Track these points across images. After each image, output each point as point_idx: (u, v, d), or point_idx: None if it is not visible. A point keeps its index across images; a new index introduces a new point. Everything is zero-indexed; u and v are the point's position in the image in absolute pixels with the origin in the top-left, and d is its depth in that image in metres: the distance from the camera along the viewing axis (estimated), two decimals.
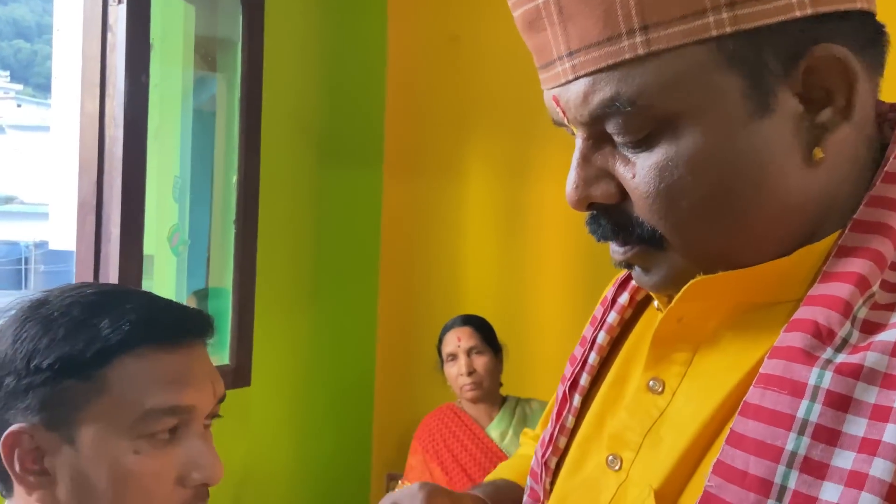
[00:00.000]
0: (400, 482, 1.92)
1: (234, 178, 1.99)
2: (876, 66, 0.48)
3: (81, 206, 1.51)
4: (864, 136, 0.49)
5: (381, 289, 2.80)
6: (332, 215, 2.72)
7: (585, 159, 0.51)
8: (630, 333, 0.64)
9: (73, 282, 0.67)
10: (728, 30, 0.44)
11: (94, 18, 1.48)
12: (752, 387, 0.45)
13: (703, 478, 0.46)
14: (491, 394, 1.91)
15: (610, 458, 0.56)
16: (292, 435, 2.56)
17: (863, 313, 0.45)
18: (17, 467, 0.58)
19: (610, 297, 0.67)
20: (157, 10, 1.58)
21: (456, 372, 1.88)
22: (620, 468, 0.56)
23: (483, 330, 1.94)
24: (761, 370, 0.45)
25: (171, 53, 1.83)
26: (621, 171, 0.49)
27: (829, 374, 0.42)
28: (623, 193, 0.50)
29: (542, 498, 0.66)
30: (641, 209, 0.49)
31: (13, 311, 0.61)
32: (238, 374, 2.00)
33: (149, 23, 1.54)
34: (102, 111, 1.49)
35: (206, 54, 1.98)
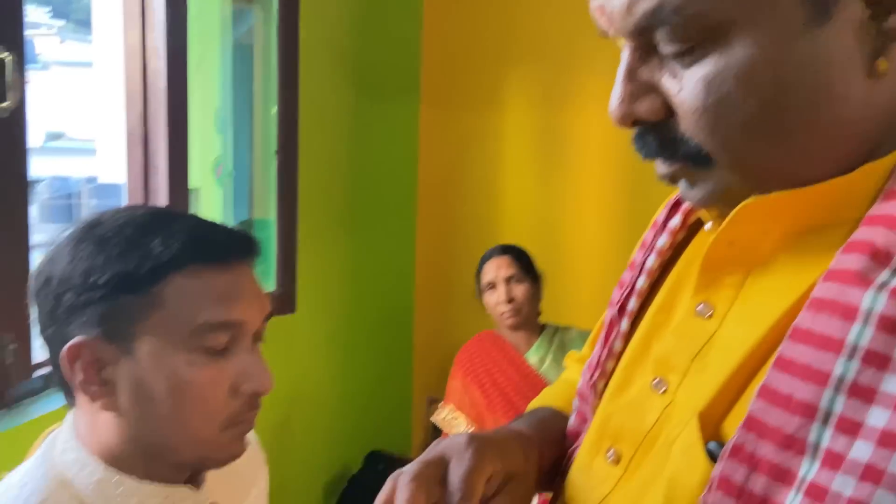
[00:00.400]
0: (440, 405, 1.98)
1: (274, 110, 2.00)
2: None
3: (129, 139, 1.54)
4: None
5: (419, 217, 2.82)
6: (370, 146, 2.73)
7: (631, 73, 0.49)
8: (681, 257, 0.63)
9: None
10: None
11: None
12: (802, 311, 0.44)
13: (748, 402, 0.45)
14: (530, 321, 1.93)
15: (655, 381, 0.56)
16: (336, 360, 2.65)
17: None
18: (79, 377, 0.61)
19: (661, 220, 0.65)
20: None
21: (495, 300, 1.90)
22: (666, 391, 0.55)
23: (522, 258, 1.95)
24: (813, 294, 0.44)
25: None
26: (668, 85, 0.47)
27: (883, 298, 0.40)
28: (669, 110, 0.48)
29: (588, 419, 0.67)
30: (688, 126, 0.47)
31: (69, 232, 0.64)
32: (283, 302, 2.07)
33: None
34: (144, 43, 1.50)
35: None
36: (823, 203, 0.47)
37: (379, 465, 2.76)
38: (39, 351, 1.24)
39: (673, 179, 0.52)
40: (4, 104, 1.11)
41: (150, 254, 0.60)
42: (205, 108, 1.90)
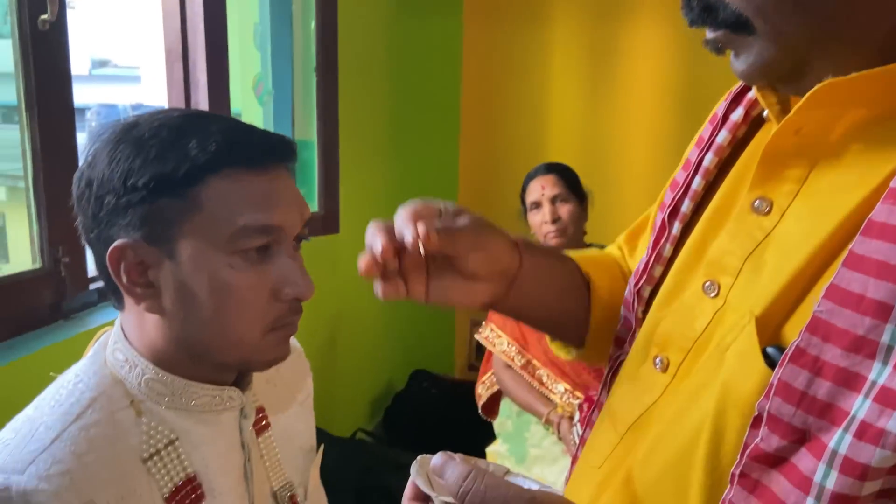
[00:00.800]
0: (483, 324, 2.00)
1: (313, 25, 1.96)
2: None
3: (168, 55, 1.53)
4: None
5: (462, 135, 2.78)
6: (411, 63, 2.67)
7: None
8: (742, 155, 0.59)
9: None
10: None
11: None
12: (879, 204, 0.42)
13: (811, 305, 0.43)
14: (575, 241, 1.91)
15: (707, 283, 0.54)
16: None
17: None
18: (124, 279, 0.62)
19: (720, 113, 0.61)
20: None
21: (540, 220, 1.88)
22: (717, 294, 0.53)
23: (567, 177, 1.90)
24: (892, 185, 0.41)
25: None
26: None
27: None
28: None
29: (633, 326, 0.66)
30: None
31: (106, 134, 0.63)
32: (327, 222, 2.08)
33: None
34: None
35: None
36: None
37: (423, 383, 2.83)
38: (93, 265, 1.28)
39: (717, 48, 0.50)
40: (45, 16, 1.10)
41: (187, 156, 0.60)
42: (243, 24, 1.87)
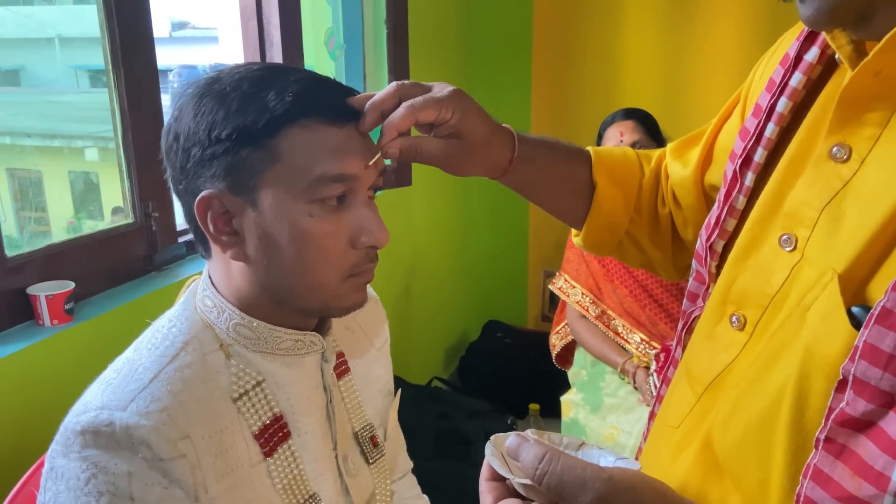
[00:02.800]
0: (557, 274, 1.99)
1: None
2: None
3: (243, 13, 1.56)
4: None
5: (533, 84, 2.73)
6: (481, 8, 2.63)
7: None
8: (818, 97, 0.56)
9: None
10: None
11: None
12: None
13: None
14: None
15: (784, 237, 0.52)
16: (452, 231, 2.70)
17: None
18: (210, 228, 0.65)
19: (793, 54, 0.58)
20: None
21: None
22: (795, 248, 0.51)
23: (647, 123, 1.84)
24: None
25: None
26: None
27: None
28: None
29: (707, 282, 0.64)
30: None
31: (191, 89, 0.66)
32: (400, 175, 2.10)
33: None
34: None
35: None
36: None
37: (496, 333, 2.86)
38: (182, 220, 1.34)
39: None
40: None
41: (265, 108, 0.62)
42: None
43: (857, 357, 0.42)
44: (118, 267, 1.23)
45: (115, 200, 1.32)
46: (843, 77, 0.52)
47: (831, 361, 0.44)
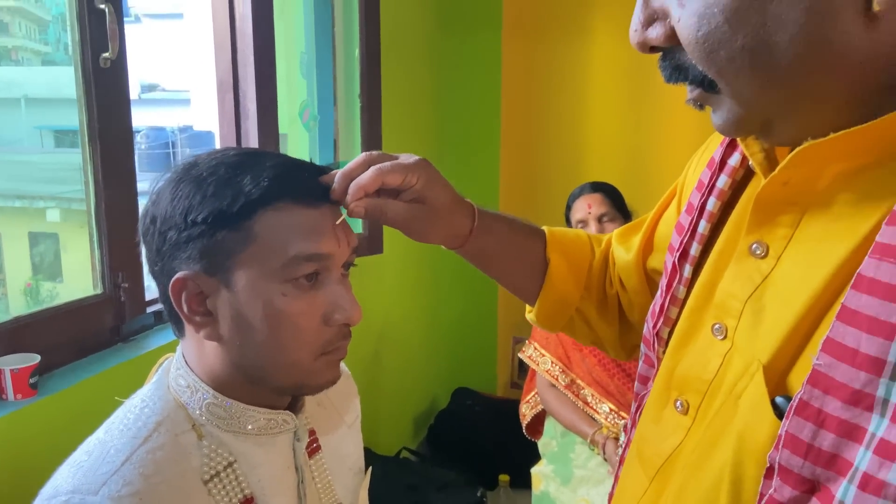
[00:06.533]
0: (526, 342, 2.00)
1: (357, 52, 2.01)
2: None
3: (220, 87, 1.59)
4: None
5: (502, 155, 2.80)
6: (451, 82, 2.71)
7: (645, 0, 0.50)
8: (741, 197, 0.61)
9: None
10: None
11: None
12: (867, 257, 0.42)
13: (813, 354, 0.44)
14: None
15: (716, 326, 0.56)
16: (423, 299, 2.71)
17: None
18: (185, 309, 0.66)
19: (718, 158, 0.63)
20: None
21: None
22: (726, 337, 0.55)
23: (613, 196, 1.90)
24: (878, 238, 0.42)
25: None
26: (673, 13, 0.47)
27: None
28: (676, 36, 0.48)
29: (656, 366, 0.67)
30: (689, 53, 0.48)
31: (168, 174, 0.68)
32: (371, 243, 2.12)
33: None
34: None
35: None
36: (881, 140, 0.45)
37: (466, 401, 2.84)
38: (150, 289, 1.34)
39: (696, 104, 0.52)
40: (106, 54, 1.17)
41: (241, 191, 0.64)
42: (289, 53, 1.93)
43: (780, 446, 0.44)
44: (84, 338, 1.21)
45: (77, 262, 1.32)
46: (760, 180, 0.56)
47: (760, 449, 0.47)
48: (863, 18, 0.42)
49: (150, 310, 1.35)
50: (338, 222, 0.69)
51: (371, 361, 2.28)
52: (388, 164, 0.70)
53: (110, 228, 1.23)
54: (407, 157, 0.73)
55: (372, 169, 0.69)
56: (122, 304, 1.26)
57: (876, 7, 0.41)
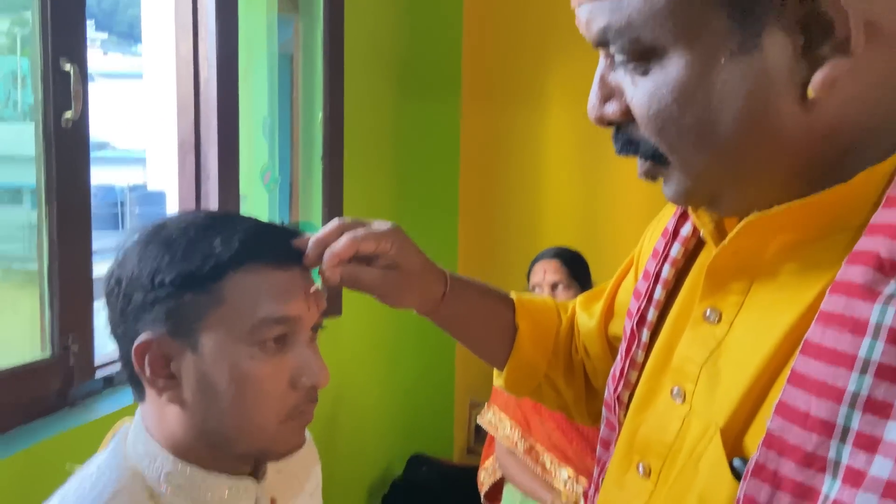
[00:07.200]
0: (486, 406, 1.99)
1: (318, 116, 2.04)
2: None
3: (181, 147, 1.59)
4: None
5: (460, 219, 2.83)
6: (412, 148, 2.76)
7: (602, 79, 0.53)
8: (694, 265, 0.64)
9: None
10: None
11: None
12: (812, 324, 0.44)
13: (767, 416, 0.45)
14: None
15: (674, 389, 0.57)
16: (380, 363, 2.67)
17: None
18: (147, 372, 0.64)
19: (671, 228, 0.66)
20: None
21: None
22: (684, 401, 0.56)
23: (572, 265, 1.92)
24: (822, 307, 0.44)
25: None
26: (627, 92, 0.50)
27: (891, 311, 0.40)
28: (630, 112, 0.51)
29: (617, 430, 0.68)
30: (642, 129, 0.51)
31: (136, 235, 0.67)
32: (330, 304, 2.09)
33: None
34: (196, 53, 1.55)
35: None
36: (823, 213, 0.48)
37: (421, 468, 2.78)
38: (100, 351, 1.29)
39: (648, 176, 0.55)
40: (69, 114, 1.16)
41: (212, 253, 0.63)
42: (253, 115, 1.95)
43: None
44: (30, 403, 1.16)
45: (15, 324, 1.27)
46: (712, 249, 0.59)
47: None
48: (799, 103, 0.45)
49: (99, 374, 1.30)
50: (312, 290, 0.69)
51: (325, 428, 2.22)
52: (361, 231, 0.71)
53: (63, 289, 1.20)
54: (379, 224, 0.74)
55: (346, 236, 0.70)
56: (71, 367, 1.21)
57: (810, 93, 0.44)
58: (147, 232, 0.67)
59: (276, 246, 0.68)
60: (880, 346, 0.40)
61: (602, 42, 0.50)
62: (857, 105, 0.45)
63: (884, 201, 0.44)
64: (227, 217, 0.69)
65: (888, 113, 0.46)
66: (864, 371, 0.41)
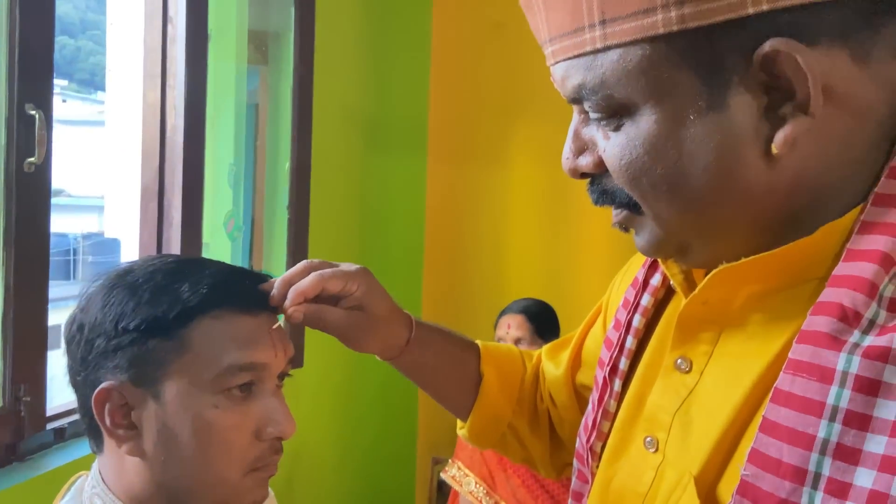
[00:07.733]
0: (450, 461, 1.96)
1: (285, 166, 2.04)
2: (876, 49, 0.45)
3: (144, 193, 1.57)
4: (872, 118, 0.47)
5: (425, 273, 2.84)
6: (377, 201, 2.77)
7: (576, 132, 0.55)
8: (664, 314, 0.65)
9: None
10: (675, 28, 0.45)
11: (154, 11, 1.54)
12: (781, 373, 0.46)
13: (739, 465, 0.46)
14: None
15: (647, 439, 0.58)
16: (341, 416, 2.62)
17: (889, 291, 0.44)
18: (107, 421, 0.62)
19: (641, 278, 0.68)
20: (213, 3, 1.63)
21: None
22: (657, 450, 0.57)
23: (537, 320, 1.91)
24: (790, 355, 0.46)
25: (225, 45, 1.88)
26: (600, 144, 0.52)
27: (856, 359, 0.42)
28: (603, 165, 0.53)
29: (589, 480, 0.68)
30: (615, 179, 0.53)
31: (100, 281, 0.65)
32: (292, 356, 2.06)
33: (206, 14, 1.59)
34: (164, 101, 1.55)
35: (258, 46, 2.04)
36: (787, 265, 0.50)
37: None
38: (52, 403, 1.24)
39: (622, 226, 0.57)
40: (32, 159, 1.14)
41: (179, 298, 0.62)
42: (218, 163, 1.94)
43: None
44: None
45: None
46: (681, 299, 0.60)
47: None
48: (763, 158, 0.47)
49: (49, 426, 1.25)
50: (273, 327, 0.68)
51: (285, 483, 2.15)
52: (328, 270, 0.71)
53: (16, 338, 1.16)
54: (348, 266, 0.74)
55: (313, 275, 0.70)
56: (22, 419, 1.16)
57: (774, 150, 0.46)
58: (112, 277, 0.65)
59: (245, 291, 0.67)
60: (847, 393, 0.41)
61: (576, 98, 0.52)
62: (817, 162, 0.48)
63: (844, 254, 0.46)
64: (195, 261, 0.68)
65: (845, 170, 0.48)
66: (832, 419, 0.42)
